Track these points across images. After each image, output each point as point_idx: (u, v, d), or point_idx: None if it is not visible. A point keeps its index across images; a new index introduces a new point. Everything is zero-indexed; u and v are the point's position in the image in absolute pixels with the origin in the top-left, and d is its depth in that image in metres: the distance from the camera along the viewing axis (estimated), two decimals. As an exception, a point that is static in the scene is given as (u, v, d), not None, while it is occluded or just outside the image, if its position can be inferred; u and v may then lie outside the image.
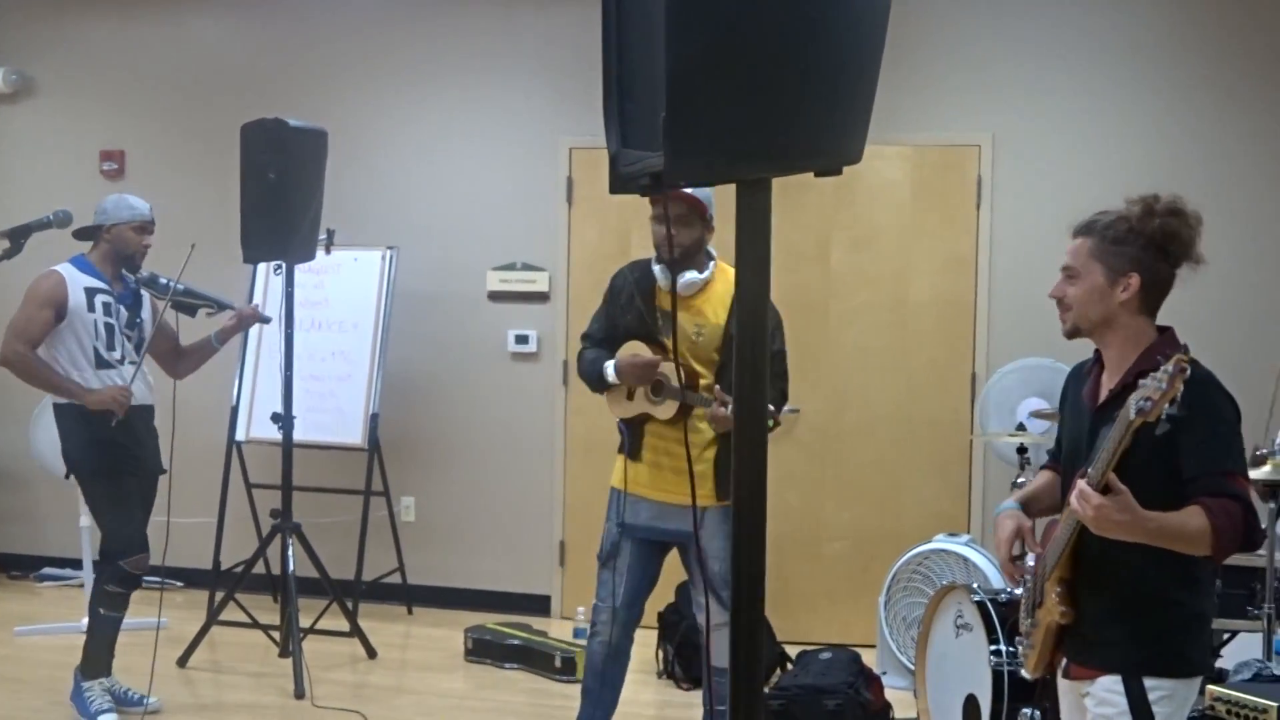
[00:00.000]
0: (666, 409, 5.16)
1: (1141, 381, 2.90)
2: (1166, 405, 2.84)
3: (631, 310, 5.31)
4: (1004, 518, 3.55)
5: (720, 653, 5.29)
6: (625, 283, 5.41)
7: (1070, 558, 3.27)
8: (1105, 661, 3.24)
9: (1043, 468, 3.75)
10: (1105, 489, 3.01)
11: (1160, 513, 3.04)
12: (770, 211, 1.99)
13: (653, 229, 5.24)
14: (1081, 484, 3.04)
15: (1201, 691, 4.53)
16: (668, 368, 5.15)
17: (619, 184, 2.02)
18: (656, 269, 5.26)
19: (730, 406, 4.82)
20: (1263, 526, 3.17)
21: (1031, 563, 3.49)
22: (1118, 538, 3.04)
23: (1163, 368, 2.85)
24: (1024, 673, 3.57)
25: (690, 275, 5.18)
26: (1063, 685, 3.46)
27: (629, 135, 2.01)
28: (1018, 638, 3.62)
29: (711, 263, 5.24)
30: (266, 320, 6.90)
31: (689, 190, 5.01)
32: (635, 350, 5.26)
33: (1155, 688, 3.16)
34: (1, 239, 5.19)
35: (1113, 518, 2.98)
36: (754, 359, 2.04)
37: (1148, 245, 3.23)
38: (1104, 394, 3.32)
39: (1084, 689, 3.32)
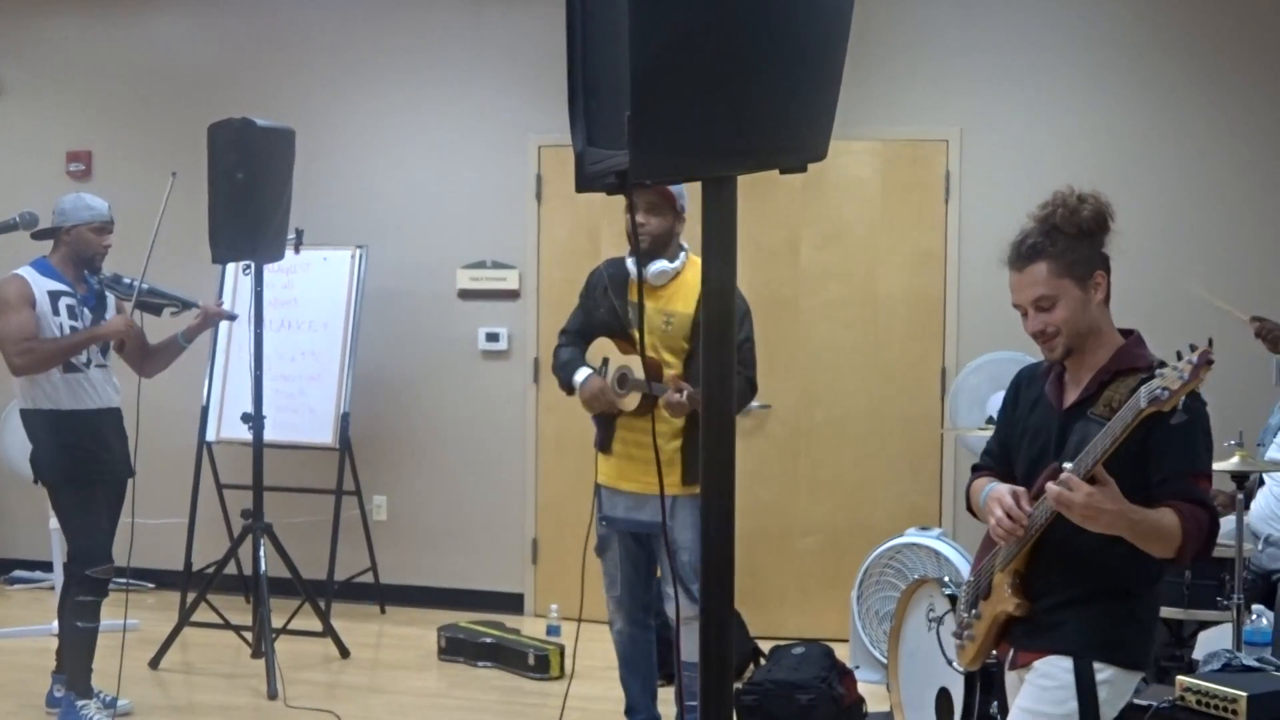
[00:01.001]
0: (631, 400, 5.23)
1: (1159, 371, 2.90)
2: (1183, 398, 2.84)
3: (605, 304, 5.39)
4: (996, 489, 3.37)
5: (690, 648, 5.32)
6: (600, 278, 5.48)
7: (1030, 551, 3.27)
8: (1056, 643, 3.25)
9: (979, 474, 3.65)
10: (1091, 480, 3.01)
11: (1140, 507, 3.05)
12: (736, 209, 2.00)
13: (626, 220, 5.34)
14: (1067, 473, 3.03)
15: (1167, 681, 4.56)
16: (634, 360, 5.20)
17: (585, 182, 2.02)
18: (629, 261, 5.32)
19: (686, 393, 4.91)
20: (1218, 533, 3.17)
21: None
22: (1099, 529, 3.04)
23: (1185, 358, 2.85)
24: (957, 665, 3.57)
25: (660, 265, 5.25)
26: (1010, 679, 3.45)
27: (595, 134, 2.02)
28: (955, 631, 3.59)
29: (683, 253, 5.32)
30: (233, 317, 6.87)
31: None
32: (606, 354, 5.37)
33: (1101, 670, 3.19)
34: (-34, 241, 5.16)
35: (1103, 506, 2.98)
36: (721, 357, 2.04)
37: (1095, 238, 3.25)
38: (1073, 394, 3.31)
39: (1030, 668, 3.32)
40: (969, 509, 3.65)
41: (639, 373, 5.20)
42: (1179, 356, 2.89)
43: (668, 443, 5.21)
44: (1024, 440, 3.45)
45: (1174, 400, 2.85)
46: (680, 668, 4.58)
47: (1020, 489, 3.29)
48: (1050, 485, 3.08)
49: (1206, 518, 3.08)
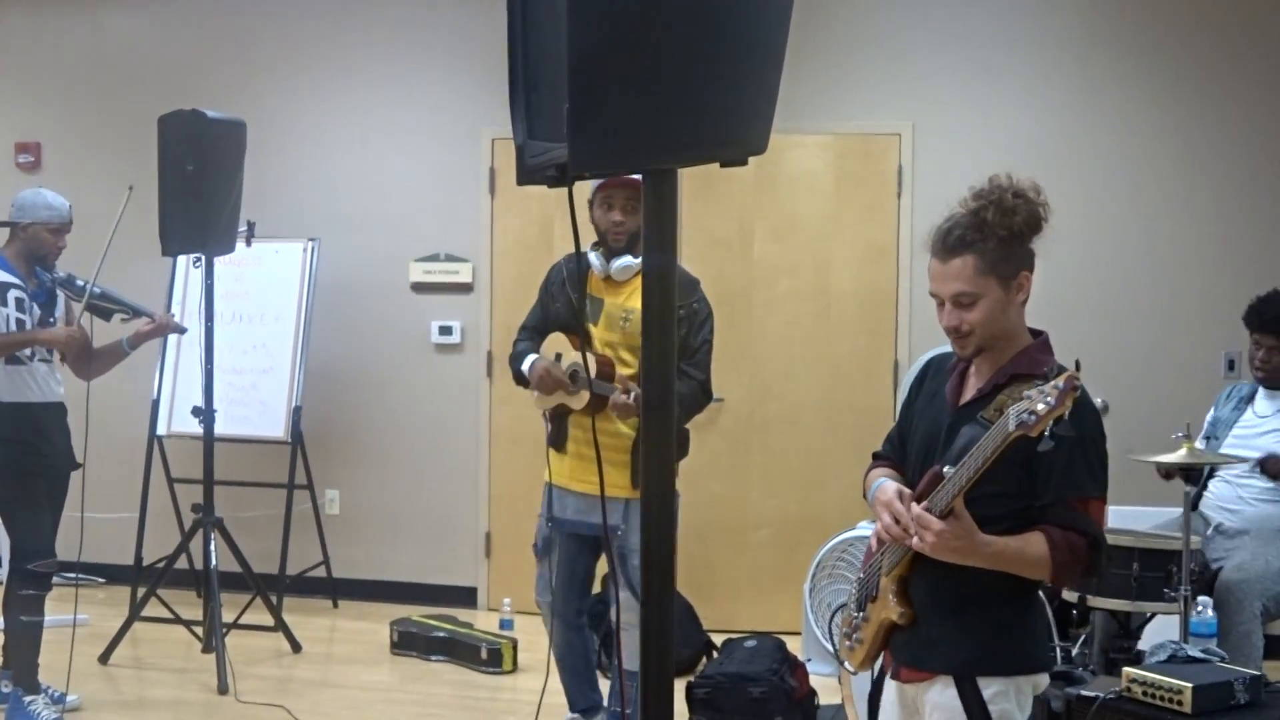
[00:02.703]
0: (580, 399, 5.21)
1: (1027, 393, 2.80)
2: (1051, 423, 2.73)
3: (562, 297, 5.41)
4: (887, 484, 3.24)
5: (632, 655, 5.34)
6: (559, 272, 5.50)
7: (911, 558, 3.15)
8: (937, 663, 3.16)
9: (877, 463, 3.50)
10: (948, 512, 2.93)
11: (998, 538, 2.98)
12: (676, 201, 2.00)
13: (596, 216, 5.30)
14: (920, 510, 2.95)
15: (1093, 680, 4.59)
16: (580, 358, 5.21)
17: (525, 175, 2.03)
18: (592, 255, 5.30)
19: (634, 395, 4.89)
20: (1103, 561, 3.08)
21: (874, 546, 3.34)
22: (956, 560, 2.98)
23: (1051, 382, 2.75)
24: (848, 666, 3.44)
25: (625, 260, 5.25)
26: (890, 687, 3.33)
27: (536, 127, 2.02)
28: (843, 632, 3.46)
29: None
30: (183, 330, 6.81)
31: (639, 178, 5.02)
32: (560, 349, 5.36)
33: (989, 685, 3.08)
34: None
35: (950, 544, 2.92)
36: (661, 350, 2.04)
37: (1026, 239, 3.09)
38: (969, 393, 3.19)
39: (920, 694, 3.21)
40: (865, 496, 3.45)
41: (585, 370, 5.19)
42: (1077, 366, 2.80)
43: (620, 443, 5.20)
44: (916, 434, 3.33)
45: (1041, 425, 2.73)
46: (622, 674, 4.55)
47: (907, 491, 3.13)
48: (894, 527, 3.02)
49: (1083, 545, 2.99)
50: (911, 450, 3.33)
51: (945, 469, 2.99)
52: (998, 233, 3.04)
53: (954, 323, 3.12)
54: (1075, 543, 2.98)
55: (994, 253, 3.06)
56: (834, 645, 3.69)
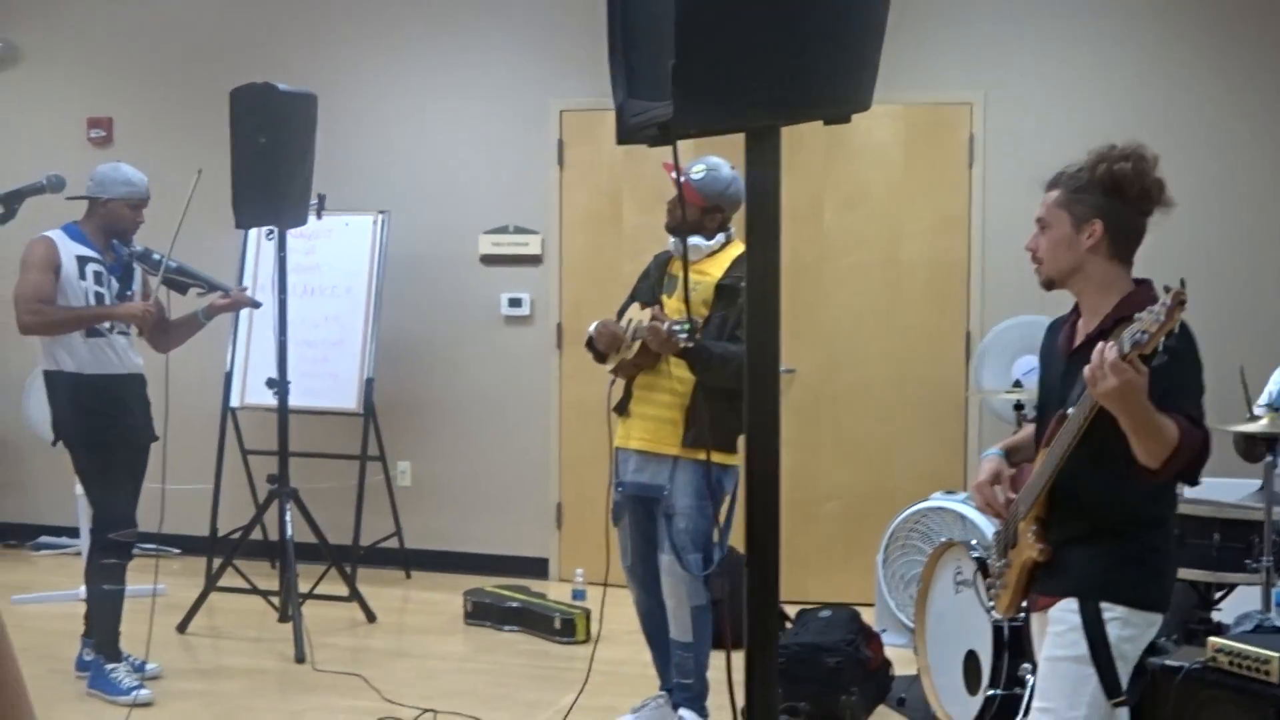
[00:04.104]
0: (632, 349, 5.33)
1: (1137, 316, 2.95)
2: (1163, 338, 2.90)
3: (647, 280, 5.58)
4: (986, 462, 3.64)
5: (679, 625, 5.36)
6: (649, 266, 5.67)
7: (1046, 497, 3.35)
8: (1065, 586, 3.32)
9: (1027, 422, 3.84)
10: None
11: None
12: (779, 161, 1.98)
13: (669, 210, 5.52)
14: (1112, 355, 3.02)
15: (1189, 639, 4.55)
16: (644, 314, 5.33)
17: (626, 134, 2.02)
18: (671, 241, 5.51)
19: (668, 324, 4.96)
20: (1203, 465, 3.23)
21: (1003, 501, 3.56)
22: (1116, 407, 3.05)
23: (1160, 301, 2.90)
24: (995, 614, 3.64)
25: (694, 240, 5.37)
26: (1033, 621, 3.53)
27: (635, 86, 2.01)
28: (989, 580, 3.68)
29: (723, 235, 5.44)
30: (257, 305, 6.83)
31: (691, 181, 5.32)
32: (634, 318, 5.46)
33: (1109, 609, 3.24)
34: (-8, 204, 5.16)
35: (1136, 382, 2.98)
36: (765, 316, 2.03)
37: (1105, 191, 3.32)
38: (1079, 340, 3.38)
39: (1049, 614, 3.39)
40: None
41: (645, 319, 5.32)
42: (1182, 284, 2.92)
43: (677, 403, 5.29)
44: (1041, 388, 3.61)
45: (1154, 341, 2.90)
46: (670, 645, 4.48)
47: (1006, 472, 3.54)
48: (1087, 370, 3.10)
49: (1200, 437, 3.13)
50: (1039, 403, 3.61)
51: (1069, 410, 3.23)
52: (1082, 177, 3.34)
53: (1030, 245, 3.46)
54: (1196, 435, 3.13)
55: (1074, 193, 3.36)
56: (982, 600, 4.03)
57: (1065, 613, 3.29)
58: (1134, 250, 3.39)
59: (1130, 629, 3.26)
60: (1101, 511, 3.29)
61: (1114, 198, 3.31)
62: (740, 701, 2.18)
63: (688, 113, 1.81)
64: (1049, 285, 3.45)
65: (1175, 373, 3.14)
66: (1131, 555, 3.29)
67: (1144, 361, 2.97)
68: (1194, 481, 3.22)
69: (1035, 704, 3.37)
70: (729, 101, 1.86)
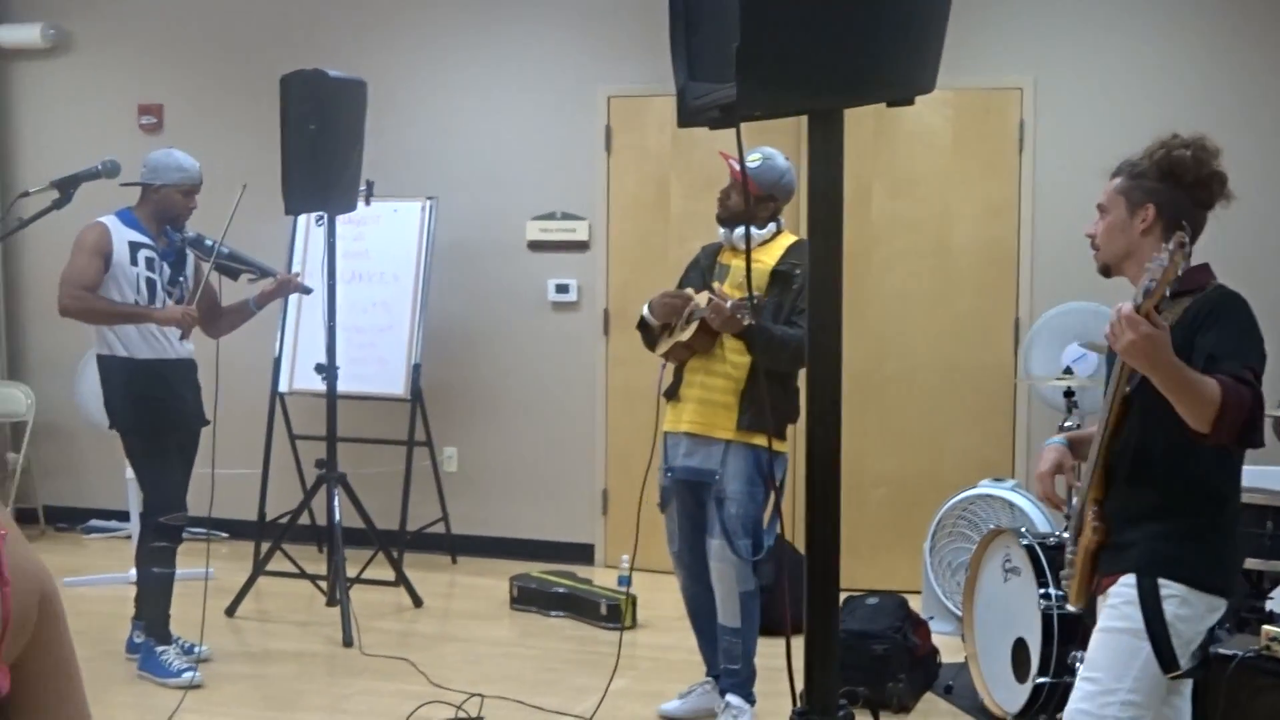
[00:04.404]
0: (688, 330, 5.30)
1: (1146, 266, 3.00)
2: (1169, 286, 2.94)
3: (696, 270, 5.57)
4: (1048, 450, 3.63)
5: (728, 610, 5.36)
6: (696, 257, 5.66)
7: (1101, 477, 3.36)
8: (1124, 564, 3.30)
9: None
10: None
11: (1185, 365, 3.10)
12: (842, 144, 1.97)
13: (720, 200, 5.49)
14: (1127, 309, 3.03)
15: (1243, 627, 4.52)
16: (701, 296, 5.31)
17: (687, 117, 2.01)
18: (721, 231, 5.48)
19: (731, 302, 4.95)
20: (1261, 423, 3.17)
21: (1075, 500, 3.55)
22: (1142, 364, 3.06)
23: (1165, 248, 2.93)
24: (1069, 606, 3.61)
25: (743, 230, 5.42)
26: (1098, 605, 3.47)
27: (696, 68, 2.00)
28: (1062, 573, 3.65)
29: (773, 224, 5.45)
30: (308, 291, 6.83)
31: (749, 174, 5.32)
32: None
33: (1167, 586, 3.21)
34: (50, 189, 5.19)
35: (1155, 337, 2.99)
36: (828, 300, 2.02)
37: (1160, 176, 3.34)
38: None
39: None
40: None
41: (700, 302, 5.31)
42: (1183, 229, 2.99)
43: (731, 387, 5.28)
44: (1106, 381, 3.58)
45: (1161, 289, 2.93)
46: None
47: (1069, 463, 3.57)
48: (1106, 328, 3.12)
49: (1250, 396, 3.09)
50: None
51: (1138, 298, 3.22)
52: (1141, 163, 3.38)
53: (1090, 231, 3.50)
54: (1244, 393, 3.09)
55: (1132, 179, 3.40)
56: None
57: (1122, 587, 3.27)
58: (1191, 239, 3.35)
59: (1188, 609, 3.22)
60: (1159, 488, 3.28)
61: (1169, 183, 3.33)
62: (799, 686, 2.17)
63: (752, 95, 1.81)
64: (1105, 271, 3.48)
65: (1225, 329, 3.18)
66: (1191, 532, 3.26)
67: (1189, 331, 3.05)
68: (1255, 442, 3.16)
69: (1081, 673, 3.35)
70: (793, 83, 1.86)
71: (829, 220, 2.00)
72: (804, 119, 2.08)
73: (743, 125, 1.98)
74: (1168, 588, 3.21)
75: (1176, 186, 3.32)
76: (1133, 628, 3.22)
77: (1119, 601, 3.27)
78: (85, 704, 1.82)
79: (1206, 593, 3.25)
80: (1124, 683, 3.21)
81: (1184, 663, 3.20)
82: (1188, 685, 3.38)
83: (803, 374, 2.26)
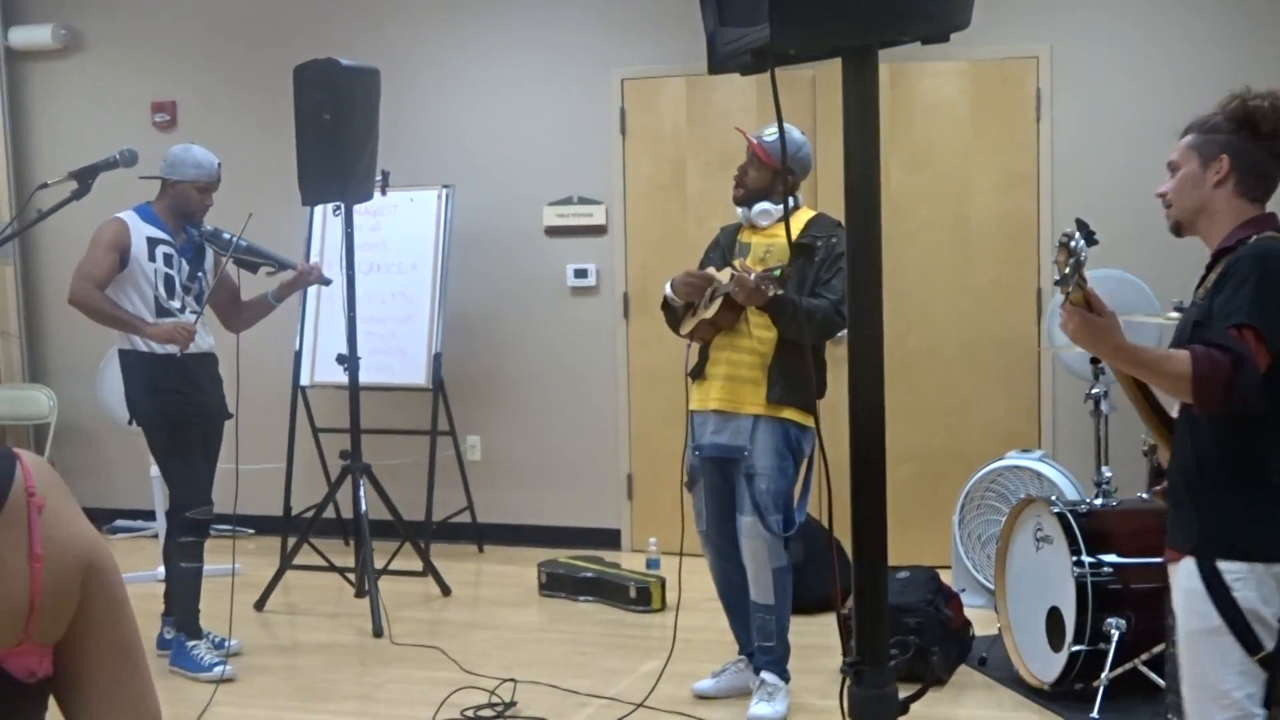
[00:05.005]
0: (711, 307, 5.29)
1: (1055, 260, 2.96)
2: (1078, 276, 2.91)
3: (717, 250, 5.55)
4: None
5: (760, 587, 5.33)
6: (718, 235, 5.64)
7: (1162, 434, 3.40)
8: (1180, 541, 3.25)
9: None
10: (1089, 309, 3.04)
11: (1141, 345, 3.10)
12: (877, 85, 1.94)
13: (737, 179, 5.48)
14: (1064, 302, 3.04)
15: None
16: (723, 273, 5.31)
17: (718, 64, 1.99)
18: (739, 210, 5.46)
19: (755, 274, 4.93)
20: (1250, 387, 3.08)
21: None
22: (1096, 351, 3.09)
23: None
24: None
25: (763, 206, 5.38)
26: (1171, 570, 3.39)
27: (726, 13, 1.97)
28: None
29: (791, 201, 5.44)
30: (327, 282, 6.80)
31: (763, 144, 5.32)
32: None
33: (1230, 569, 3.12)
34: (69, 180, 5.18)
35: (1092, 324, 3.00)
36: (866, 258, 1.99)
37: (1235, 127, 3.26)
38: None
39: (1174, 576, 3.30)
40: None
41: (722, 279, 5.31)
42: (1078, 224, 2.95)
43: (758, 362, 5.28)
44: None
45: (1070, 283, 2.92)
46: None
47: None
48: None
49: (1226, 361, 3.02)
50: None
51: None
52: (1215, 116, 3.31)
53: (1161, 190, 3.40)
54: (1217, 359, 3.03)
55: (1204, 133, 3.31)
56: None
57: (1187, 579, 3.19)
58: (1266, 193, 3.31)
59: (1253, 587, 3.11)
60: (1208, 458, 3.21)
61: (1244, 133, 3.25)
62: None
63: (786, 33, 1.78)
64: (1177, 230, 3.39)
65: (1240, 287, 3.11)
66: (1246, 507, 3.17)
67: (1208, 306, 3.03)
68: (1245, 406, 3.08)
69: (1184, 684, 3.27)
70: (826, 21, 1.83)
71: (865, 164, 1.97)
72: (821, 79, 2.04)
73: (757, 99, 1.95)
74: (1230, 570, 3.12)
75: (1253, 137, 3.25)
76: (1212, 626, 3.13)
77: (1188, 599, 3.19)
78: (147, 687, 1.74)
79: (1271, 563, 3.14)
80: (1228, 683, 3.14)
81: (1268, 644, 3.10)
82: None
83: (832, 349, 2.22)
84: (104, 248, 5.90)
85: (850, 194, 1.99)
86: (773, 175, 5.32)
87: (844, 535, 2.40)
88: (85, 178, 5.16)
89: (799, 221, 5.36)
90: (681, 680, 5.68)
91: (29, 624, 1.59)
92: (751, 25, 1.85)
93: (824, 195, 6.87)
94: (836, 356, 5.39)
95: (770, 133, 5.32)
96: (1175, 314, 5.24)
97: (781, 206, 5.38)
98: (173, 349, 5.94)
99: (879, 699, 2.11)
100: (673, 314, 5.52)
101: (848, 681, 2.16)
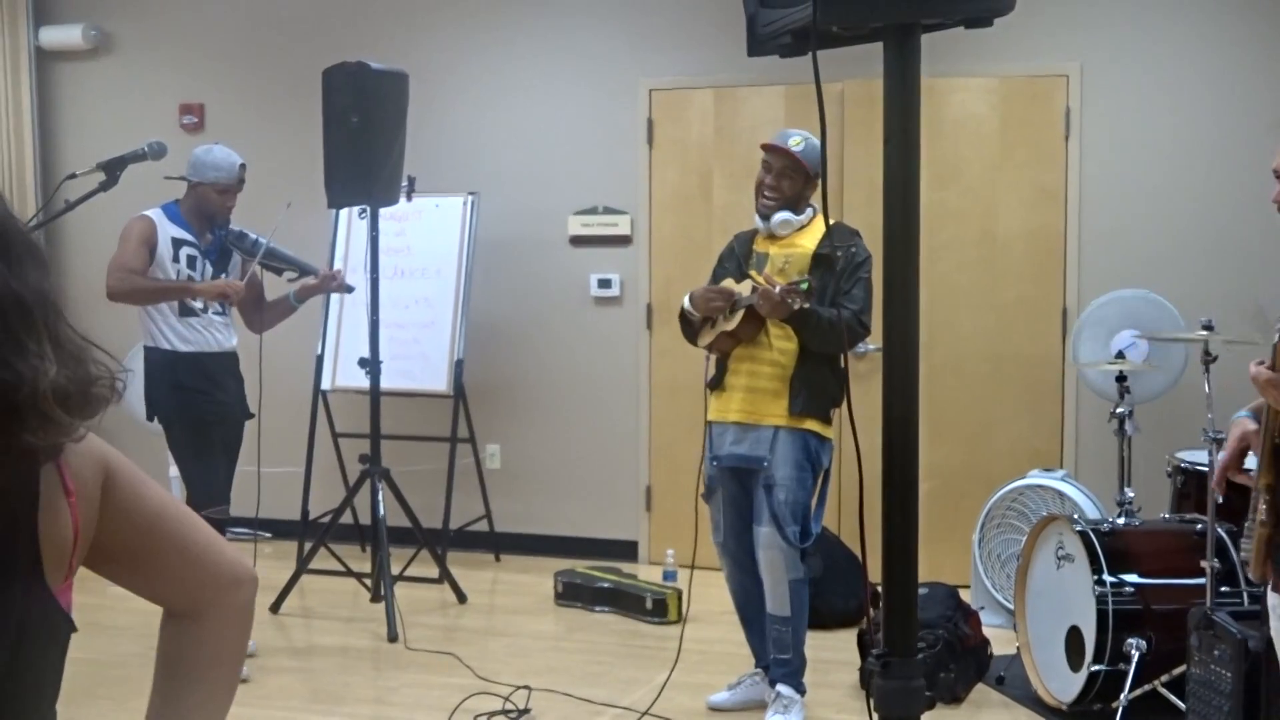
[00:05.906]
0: (733, 320, 5.26)
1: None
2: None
3: (732, 260, 5.53)
4: (1234, 426, 3.42)
5: (776, 599, 5.30)
6: (730, 245, 5.63)
7: (1270, 462, 3.15)
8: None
9: None
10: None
11: None
12: (919, 65, 1.92)
13: (758, 174, 5.42)
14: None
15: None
16: (743, 285, 5.29)
17: (757, 46, 1.97)
18: (757, 218, 5.42)
19: (779, 288, 4.90)
20: None
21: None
22: None
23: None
24: (1249, 573, 3.41)
25: (784, 215, 5.34)
26: (1272, 599, 3.30)
27: (767, -5, 1.95)
28: (1242, 540, 3.41)
29: (810, 210, 5.40)
30: (349, 289, 6.80)
31: (795, 151, 5.24)
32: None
33: None
34: (96, 172, 5.19)
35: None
36: (905, 253, 1.97)
37: None
38: None
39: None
40: None
41: (743, 291, 5.28)
42: None
43: (780, 374, 5.24)
44: None
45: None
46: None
47: (1251, 429, 3.34)
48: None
49: None
50: None
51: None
52: None
53: (1276, 197, 3.38)
54: None
55: None
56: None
57: None
58: None
59: None
60: None
61: None
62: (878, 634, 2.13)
63: (830, 9, 1.76)
64: None
65: None
66: None
67: None
68: None
69: None
70: (869, -1, 1.81)
71: (907, 150, 1.95)
72: (849, 91, 2.02)
73: (785, 111, 1.93)
74: None
75: None
76: None
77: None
78: (183, 555, 1.77)
79: None
80: None
81: None
82: None
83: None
84: (135, 242, 5.92)
85: (890, 204, 1.97)
86: (805, 181, 5.30)
87: (853, 544, 2.35)
88: (113, 169, 5.17)
89: (816, 230, 5.35)
90: (696, 692, 5.64)
91: (73, 558, 1.61)
92: (792, 6, 1.83)
93: (850, 206, 6.86)
94: (860, 370, 5.39)
95: (795, 140, 5.29)
96: (1204, 332, 5.21)
97: (801, 216, 5.35)
98: (199, 347, 5.96)
99: (905, 690, 2.08)
100: (689, 326, 5.50)
101: (874, 675, 2.12)
